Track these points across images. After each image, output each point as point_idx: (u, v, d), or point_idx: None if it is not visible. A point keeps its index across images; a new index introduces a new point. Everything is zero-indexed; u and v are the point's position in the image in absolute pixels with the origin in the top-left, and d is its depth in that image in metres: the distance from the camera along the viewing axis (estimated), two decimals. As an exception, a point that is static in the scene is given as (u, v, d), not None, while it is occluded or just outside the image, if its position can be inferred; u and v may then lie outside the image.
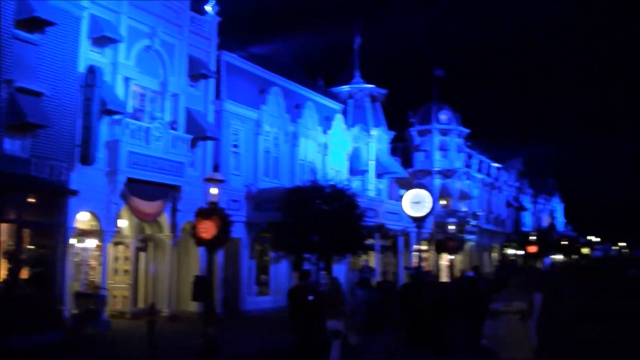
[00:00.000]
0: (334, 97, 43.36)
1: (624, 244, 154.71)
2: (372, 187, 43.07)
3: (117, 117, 24.39)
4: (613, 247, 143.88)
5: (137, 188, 24.85)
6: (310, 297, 16.23)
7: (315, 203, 26.68)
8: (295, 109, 36.85)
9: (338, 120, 40.61)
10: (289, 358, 17.29)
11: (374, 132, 43.80)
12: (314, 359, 15.02)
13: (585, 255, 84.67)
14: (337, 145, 40.12)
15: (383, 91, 46.00)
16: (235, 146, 32.48)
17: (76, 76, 23.08)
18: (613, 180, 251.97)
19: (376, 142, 43.97)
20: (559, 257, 75.83)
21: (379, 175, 44.66)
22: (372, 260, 37.93)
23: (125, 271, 27.10)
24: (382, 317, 17.50)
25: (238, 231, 29.73)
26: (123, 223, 26.68)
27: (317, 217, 26.01)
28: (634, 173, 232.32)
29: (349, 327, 14.69)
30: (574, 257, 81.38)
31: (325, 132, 39.15)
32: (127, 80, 25.57)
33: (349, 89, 44.92)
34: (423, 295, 18.68)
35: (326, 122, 39.61)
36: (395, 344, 16.83)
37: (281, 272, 33.46)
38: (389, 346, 17.02)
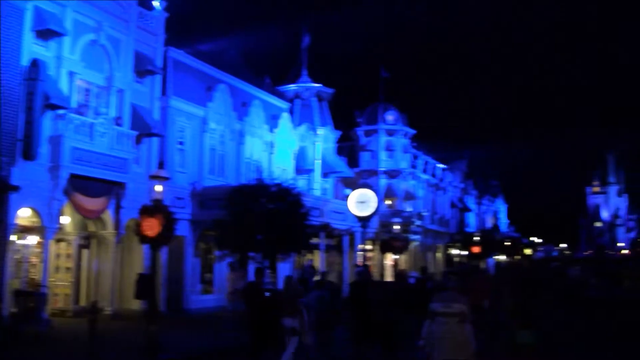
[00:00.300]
0: (281, 95, 43.38)
1: (565, 245, 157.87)
2: (317, 186, 43.19)
3: (60, 112, 24.02)
4: (555, 248, 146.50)
5: (80, 184, 24.51)
6: (267, 294, 16.16)
7: (261, 202, 26.64)
8: (242, 106, 36.75)
9: (284, 119, 40.63)
10: (233, 356, 17.28)
11: (321, 131, 43.91)
12: (269, 357, 15.04)
13: (528, 255, 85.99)
14: (284, 143, 40.14)
15: (330, 90, 46.15)
16: (181, 143, 32.29)
17: (19, 69, 22.66)
18: (554, 182, 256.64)
19: (322, 141, 44.10)
20: (502, 257, 76.91)
21: (325, 175, 44.80)
22: (317, 259, 38.03)
23: (67, 269, 26.72)
24: (333, 316, 17.58)
25: (182, 229, 29.54)
26: (65, 220, 26.29)
27: (262, 215, 25.96)
28: (574, 175, 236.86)
29: (303, 326, 14.64)
30: (517, 257, 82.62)
31: (271, 130, 39.12)
32: (71, 74, 25.18)
33: (296, 87, 44.98)
34: (373, 293, 18.87)
35: (273, 120, 39.59)
36: (346, 342, 16.93)
37: (225, 270, 33.34)
38: (340, 344, 17.13)
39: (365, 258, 29.97)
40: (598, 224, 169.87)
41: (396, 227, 47.63)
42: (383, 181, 53.81)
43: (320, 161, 43.54)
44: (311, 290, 18.19)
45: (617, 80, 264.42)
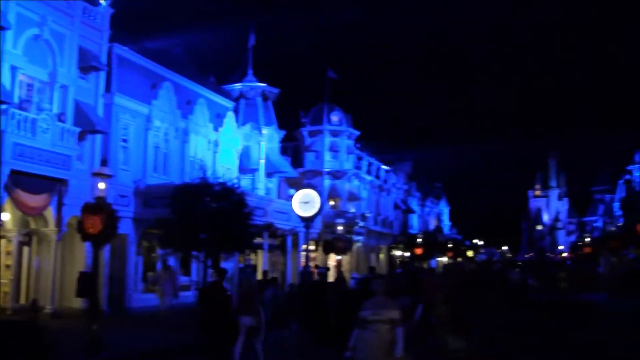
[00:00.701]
0: (226, 94, 43.33)
1: (507, 248, 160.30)
2: (261, 186, 43.26)
3: (2, 107, 23.67)
4: (497, 251, 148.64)
5: (21, 180, 24.19)
6: (229, 293, 16.86)
7: (204, 201, 26.64)
8: (186, 105, 36.66)
9: (229, 118, 40.62)
10: (175, 355, 17.31)
11: (265, 130, 43.98)
12: (224, 354, 15.43)
13: (471, 258, 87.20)
14: (228, 143, 40.12)
15: (275, 90, 46.22)
16: (125, 141, 32.09)
17: (-41, 63, 22.31)
18: (497, 185, 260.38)
19: (267, 141, 44.17)
20: (444, 259, 77.87)
21: (269, 174, 44.89)
22: (260, 259, 38.11)
23: (7, 266, 26.35)
24: (288, 315, 17.79)
25: (125, 227, 29.37)
26: (6, 216, 25.89)
27: (205, 215, 25.97)
28: (517, 179, 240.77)
29: (260, 324, 15.09)
30: (459, 259, 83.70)
31: (216, 129, 39.08)
32: (14, 69, 24.83)
33: (241, 86, 44.94)
34: (328, 294, 19.19)
35: (217, 119, 39.54)
36: (301, 342, 17.12)
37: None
38: (295, 343, 17.29)
39: (308, 258, 30.15)
40: (539, 227, 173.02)
41: (340, 228, 47.93)
42: (327, 182, 54.09)
43: (264, 161, 43.61)
44: (265, 289, 18.45)
45: (560, 85, 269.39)
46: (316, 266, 37.06)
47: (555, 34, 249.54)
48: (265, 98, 45.57)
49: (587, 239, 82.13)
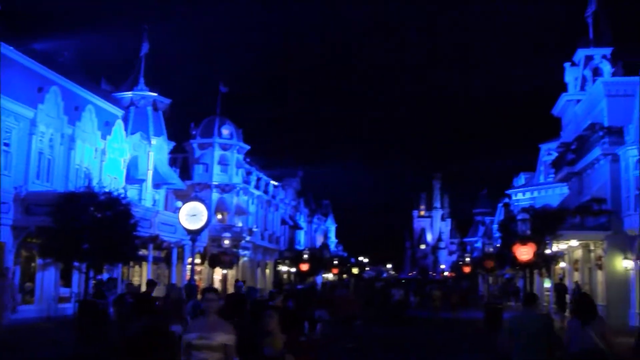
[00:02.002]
0: (116, 102, 42.48)
1: (391, 265, 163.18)
2: (148, 197, 42.56)
3: None
4: (383, 269, 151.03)
5: None
6: (157, 303, 17.19)
7: (89, 210, 25.99)
8: (74, 110, 35.73)
9: (118, 126, 39.83)
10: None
11: (155, 141, 43.36)
12: None
13: (357, 275, 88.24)
14: (116, 151, 39.32)
15: (167, 100, 45.65)
16: (7, 145, 30.91)
17: None
18: (382, 205, 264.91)
19: (156, 151, 43.53)
20: (330, 276, 78.50)
21: (157, 186, 44.23)
22: (145, 271, 37.43)
23: None
24: None
25: (3, 235, 28.37)
26: None
27: (89, 224, 25.37)
28: (401, 200, 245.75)
29: None
30: (345, 276, 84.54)
31: (104, 137, 38.24)
32: None
33: (132, 95, 44.15)
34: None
35: (106, 127, 38.71)
36: None
37: (48, 280, 32.17)
38: None
39: (194, 272, 29.80)
40: (423, 247, 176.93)
41: (226, 242, 47.66)
42: (215, 195, 53.73)
43: (152, 171, 42.95)
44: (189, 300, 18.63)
45: (448, 109, 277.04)
46: (237, 280, 37.06)
47: (444, 57, 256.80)
48: (156, 108, 44.91)
49: (467, 259, 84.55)
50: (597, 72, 44.62)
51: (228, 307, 19.69)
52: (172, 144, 46.97)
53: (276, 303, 16.18)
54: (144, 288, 29.69)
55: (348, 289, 30.40)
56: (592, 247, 37.04)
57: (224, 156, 54.79)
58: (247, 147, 56.64)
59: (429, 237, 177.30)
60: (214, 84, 54.86)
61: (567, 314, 33.84)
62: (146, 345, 2.99)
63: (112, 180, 36.78)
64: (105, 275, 34.98)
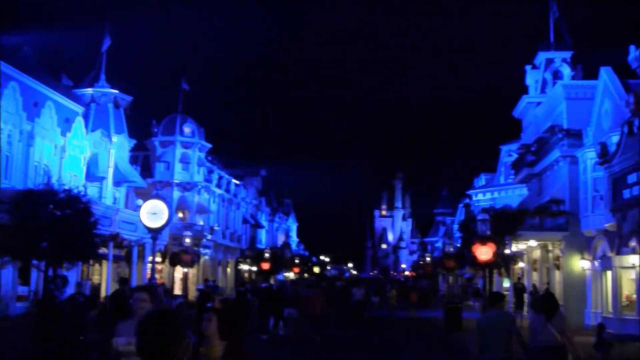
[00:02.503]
0: (77, 98, 42.00)
1: (352, 265, 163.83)
2: (109, 195, 42.16)
3: None
4: (344, 268, 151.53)
5: None
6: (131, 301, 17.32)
7: (48, 208, 25.69)
8: (33, 107, 35.25)
9: (78, 123, 39.39)
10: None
11: (115, 138, 42.96)
12: None
13: (318, 274, 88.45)
14: (76, 149, 38.87)
15: (128, 98, 45.25)
16: (-36, 141, 30.44)
17: None
18: (344, 204, 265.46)
19: (116, 149, 43.14)
20: (291, 274, 78.53)
21: (117, 183, 43.84)
22: (105, 270, 37.08)
23: None
24: None
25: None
26: None
27: (48, 222, 25.07)
28: (362, 200, 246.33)
29: None
30: (306, 275, 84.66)
31: (64, 134, 37.79)
32: None
33: (92, 92, 43.67)
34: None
35: (66, 123, 38.27)
36: None
37: (6, 278, 31.68)
38: None
39: (154, 271, 29.61)
40: (384, 246, 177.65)
41: (187, 241, 47.43)
42: (176, 193, 53.40)
43: (113, 169, 42.55)
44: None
45: (412, 110, 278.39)
46: (206, 280, 37.25)
47: (403, 57, 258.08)
48: (117, 105, 44.49)
49: (428, 259, 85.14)
50: (557, 75, 45.17)
51: (199, 305, 20.51)
52: (134, 141, 46.58)
53: (214, 304, 16.34)
54: (106, 286, 29.49)
55: (315, 289, 30.91)
56: (550, 248, 37.49)
57: (186, 154, 54.44)
58: (209, 145, 56.37)
59: (390, 237, 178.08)
60: (176, 82, 54.47)
61: (524, 312, 34.31)
62: (159, 328, 3.05)
63: (72, 178, 36.35)
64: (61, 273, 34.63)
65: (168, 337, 3.24)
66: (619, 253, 29.29)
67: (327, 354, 22.42)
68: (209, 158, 59.23)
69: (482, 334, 10.54)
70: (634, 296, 28.56)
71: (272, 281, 61.42)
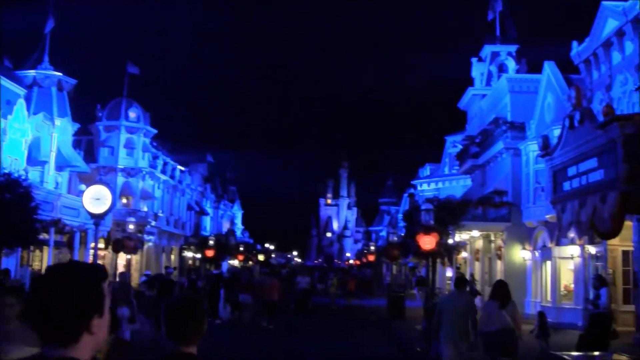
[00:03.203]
0: (19, 80, 41.12)
1: (296, 253, 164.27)
2: (51, 179, 41.46)
3: None
4: (289, 256, 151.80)
5: None
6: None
7: (-14, 192, 25.11)
8: (-27, 89, 34.45)
9: (20, 106, 38.58)
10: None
11: (58, 122, 42.19)
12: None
13: (263, 262, 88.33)
14: (17, 132, 38.08)
15: (72, 81, 44.44)
16: None
17: None
18: (289, 192, 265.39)
19: (59, 133, 42.38)
20: (236, 262, 78.28)
21: (60, 168, 43.11)
22: (46, 256, 36.51)
23: None
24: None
25: None
26: None
27: (-14, 207, 24.52)
28: (308, 187, 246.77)
29: (136, 313, 17.37)
30: (251, 263, 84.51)
31: (5, 116, 36.96)
32: None
33: (35, 73, 42.78)
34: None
35: (7, 106, 37.41)
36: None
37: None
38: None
39: (97, 257, 29.22)
40: (329, 235, 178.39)
41: (131, 227, 46.93)
42: (121, 179, 52.79)
43: (55, 153, 41.82)
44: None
45: (360, 100, 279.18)
46: (166, 267, 37.25)
47: (352, 48, 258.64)
48: (60, 88, 43.67)
49: (372, 247, 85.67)
50: (502, 69, 45.81)
51: (159, 291, 21.48)
52: (77, 125, 45.84)
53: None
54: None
55: (271, 277, 31.41)
56: (492, 238, 38.09)
57: (131, 139, 53.79)
58: (154, 131, 55.76)
59: (335, 225, 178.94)
60: (122, 66, 53.66)
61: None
62: (185, 312, 3.34)
63: (12, 162, 35.61)
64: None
65: (195, 319, 3.57)
66: (558, 244, 29.97)
67: (279, 341, 22.68)
68: (154, 144, 58.61)
69: (442, 312, 12.11)
70: (572, 286, 29.23)
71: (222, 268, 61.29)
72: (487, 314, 12.27)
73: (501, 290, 12.32)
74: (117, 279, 19.24)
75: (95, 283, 2.43)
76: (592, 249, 27.17)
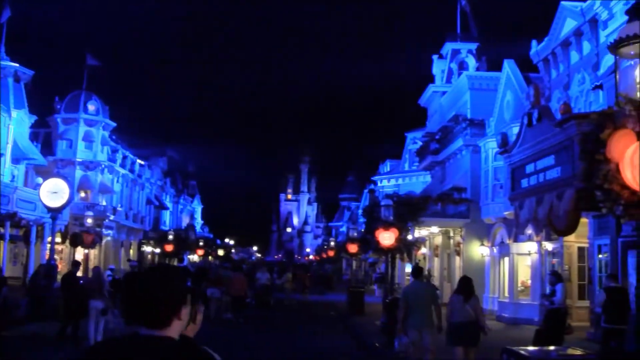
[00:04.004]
0: (-26, 72, 40.41)
1: (256, 248, 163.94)
2: (7, 172, 40.80)
3: None
4: (251, 251, 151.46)
5: None
6: (82, 282, 20.07)
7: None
8: None
9: (-24, 98, 37.97)
10: None
11: (15, 114, 41.53)
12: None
13: (223, 256, 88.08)
14: (-27, 124, 37.48)
15: (29, 72, 43.75)
16: None
17: None
18: (249, 187, 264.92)
19: (16, 125, 41.72)
20: (195, 257, 77.98)
21: (16, 161, 42.46)
22: (1, 250, 35.96)
23: None
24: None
25: None
26: None
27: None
28: (268, 182, 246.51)
29: (109, 306, 18.09)
30: (211, 258, 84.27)
31: (-40, 108, 36.38)
32: None
33: (-10, 65, 42.03)
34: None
35: (-38, 98, 36.82)
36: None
37: None
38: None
39: (54, 251, 28.89)
40: (289, 230, 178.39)
41: (89, 221, 46.43)
42: (79, 172, 52.19)
43: (11, 145, 41.18)
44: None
45: (320, 96, 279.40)
46: (129, 259, 36.85)
47: (314, 42, 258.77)
48: (17, 79, 42.98)
49: (332, 243, 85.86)
50: (462, 66, 46.17)
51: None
52: (34, 117, 45.17)
53: None
54: (2, 267, 28.56)
55: (237, 271, 31.49)
56: (451, 234, 38.37)
57: (89, 132, 53.18)
58: (114, 124, 55.20)
59: (295, 221, 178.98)
60: (81, 58, 52.95)
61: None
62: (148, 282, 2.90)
63: (-33, 154, 35.05)
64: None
65: (165, 291, 2.98)
66: (516, 240, 30.28)
67: (243, 334, 22.71)
68: (114, 137, 58.05)
69: (408, 301, 13.41)
70: (529, 282, 29.57)
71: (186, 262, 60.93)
72: (452, 307, 13.23)
73: (466, 285, 13.44)
74: (91, 274, 19.80)
75: (183, 280, 3.03)
76: (549, 246, 27.51)
